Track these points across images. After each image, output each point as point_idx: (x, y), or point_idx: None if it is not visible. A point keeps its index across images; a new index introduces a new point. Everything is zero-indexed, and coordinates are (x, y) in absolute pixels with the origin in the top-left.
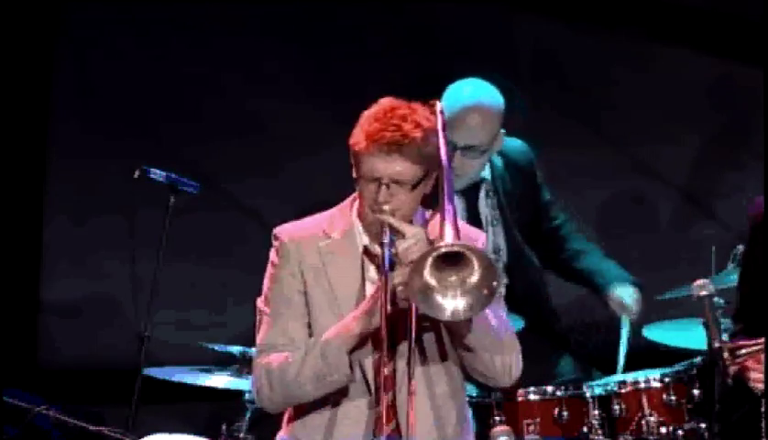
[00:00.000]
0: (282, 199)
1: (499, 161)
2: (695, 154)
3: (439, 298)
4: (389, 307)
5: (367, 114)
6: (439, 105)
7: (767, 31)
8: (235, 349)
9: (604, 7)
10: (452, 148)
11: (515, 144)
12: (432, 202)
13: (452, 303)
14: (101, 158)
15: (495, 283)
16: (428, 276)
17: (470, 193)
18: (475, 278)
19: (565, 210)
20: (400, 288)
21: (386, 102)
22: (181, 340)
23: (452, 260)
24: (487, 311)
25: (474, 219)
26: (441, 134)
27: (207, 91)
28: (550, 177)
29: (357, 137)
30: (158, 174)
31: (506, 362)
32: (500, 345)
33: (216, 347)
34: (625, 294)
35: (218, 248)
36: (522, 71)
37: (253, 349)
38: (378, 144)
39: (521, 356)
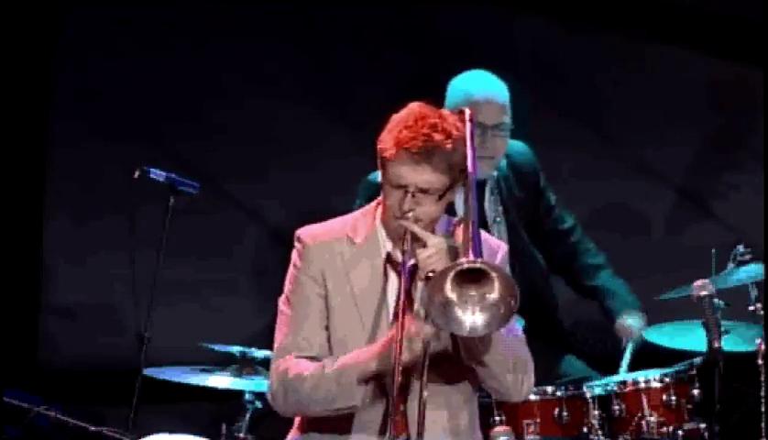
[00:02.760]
0: (282, 199)
1: (502, 163)
2: (695, 154)
3: (458, 312)
4: (404, 356)
5: (396, 119)
6: (468, 113)
7: (767, 31)
8: (235, 349)
9: (604, 7)
10: (481, 131)
11: (518, 146)
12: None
13: (470, 318)
14: (101, 158)
15: (514, 302)
16: (448, 290)
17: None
18: (494, 294)
19: (571, 214)
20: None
21: (416, 108)
22: (180, 340)
23: (473, 276)
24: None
25: (479, 217)
26: (469, 143)
27: (207, 91)
28: (550, 177)
29: (386, 143)
30: (158, 174)
31: (519, 379)
32: (514, 362)
33: (216, 347)
34: (635, 323)
35: (218, 248)
36: (522, 71)
37: (253, 349)
38: (407, 152)
39: (532, 373)
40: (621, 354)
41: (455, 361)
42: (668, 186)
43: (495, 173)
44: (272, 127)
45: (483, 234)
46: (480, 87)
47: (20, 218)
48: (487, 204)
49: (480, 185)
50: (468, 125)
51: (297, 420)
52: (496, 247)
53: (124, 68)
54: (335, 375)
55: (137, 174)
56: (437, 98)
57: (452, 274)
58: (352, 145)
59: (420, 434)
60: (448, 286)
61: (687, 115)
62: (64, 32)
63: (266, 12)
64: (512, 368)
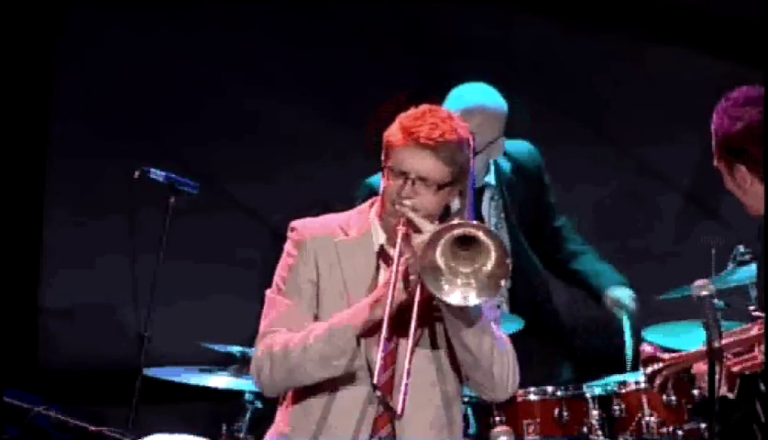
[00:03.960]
0: (282, 199)
1: (506, 165)
2: (695, 154)
3: (447, 281)
4: (397, 296)
5: (404, 113)
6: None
7: (767, 31)
8: (236, 349)
9: (604, 7)
10: None
11: (522, 147)
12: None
13: (460, 289)
14: (101, 158)
15: (506, 272)
16: (439, 257)
17: (473, 199)
18: (488, 266)
19: (563, 211)
20: (410, 261)
21: (425, 106)
22: (180, 340)
23: (466, 246)
24: (491, 323)
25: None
26: (471, 153)
27: (207, 91)
28: (550, 177)
29: (393, 130)
30: (158, 174)
31: (504, 374)
32: (499, 355)
33: (216, 347)
34: (622, 294)
35: (218, 248)
36: (522, 71)
37: (253, 349)
38: (413, 138)
39: (518, 370)
40: (622, 333)
41: (442, 357)
42: (668, 186)
43: (494, 180)
44: (272, 127)
45: None
46: (461, 105)
47: (20, 218)
48: (486, 211)
49: (479, 191)
50: (471, 139)
51: (280, 412)
52: None
53: (124, 68)
54: (327, 335)
55: (137, 174)
56: (437, 98)
57: (445, 238)
58: (352, 145)
59: (402, 404)
60: (440, 251)
61: (687, 115)
62: (64, 32)
63: (266, 12)
64: (498, 360)
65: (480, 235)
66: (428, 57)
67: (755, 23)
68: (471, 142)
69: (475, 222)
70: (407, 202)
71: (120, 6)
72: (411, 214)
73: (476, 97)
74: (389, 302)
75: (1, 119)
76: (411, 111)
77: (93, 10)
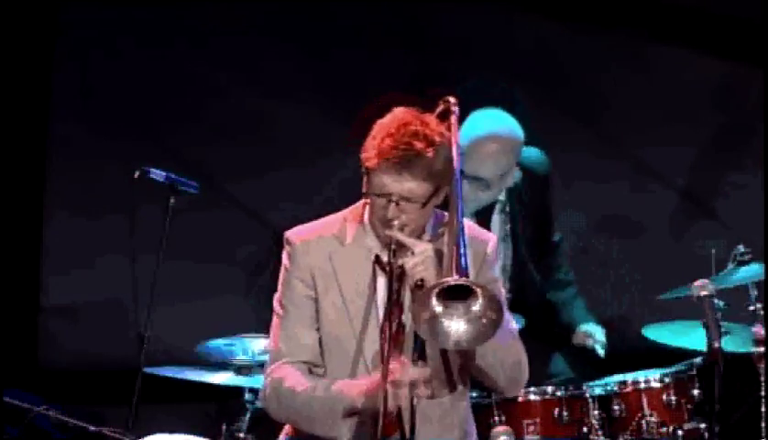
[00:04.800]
0: (282, 199)
1: (517, 175)
2: (695, 154)
3: (445, 324)
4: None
5: (379, 125)
6: (452, 100)
7: (767, 31)
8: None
9: (604, 7)
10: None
11: (534, 154)
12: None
13: (456, 330)
14: (101, 158)
15: (496, 315)
16: (434, 305)
17: (483, 213)
18: (478, 307)
19: (559, 228)
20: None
21: (399, 114)
22: (181, 340)
23: (458, 290)
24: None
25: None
26: (454, 140)
27: (207, 91)
28: (556, 188)
29: (369, 153)
30: (158, 174)
31: (514, 377)
32: (507, 359)
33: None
34: (594, 329)
35: (218, 248)
36: (522, 72)
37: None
38: (388, 162)
39: (527, 367)
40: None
41: (442, 361)
42: (668, 186)
43: (504, 195)
44: (272, 127)
45: (471, 227)
46: (475, 135)
47: (20, 218)
48: (495, 224)
49: (489, 207)
50: (454, 117)
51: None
52: (485, 239)
53: (124, 68)
54: (325, 402)
55: (137, 174)
56: (437, 98)
57: (437, 290)
58: (352, 145)
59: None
60: (434, 301)
61: (687, 115)
62: (64, 32)
63: (266, 12)
64: (507, 368)
65: (464, 284)
66: (428, 57)
67: (755, 23)
68: (454, 121)
69: (455, 277)
70: (395, 223)
71: (120, 6)
72: (401, 236)
73: (489, 126)
74: (381, 413)
75: (1, 119)
76: (385, 124)
77: (93, 10)
